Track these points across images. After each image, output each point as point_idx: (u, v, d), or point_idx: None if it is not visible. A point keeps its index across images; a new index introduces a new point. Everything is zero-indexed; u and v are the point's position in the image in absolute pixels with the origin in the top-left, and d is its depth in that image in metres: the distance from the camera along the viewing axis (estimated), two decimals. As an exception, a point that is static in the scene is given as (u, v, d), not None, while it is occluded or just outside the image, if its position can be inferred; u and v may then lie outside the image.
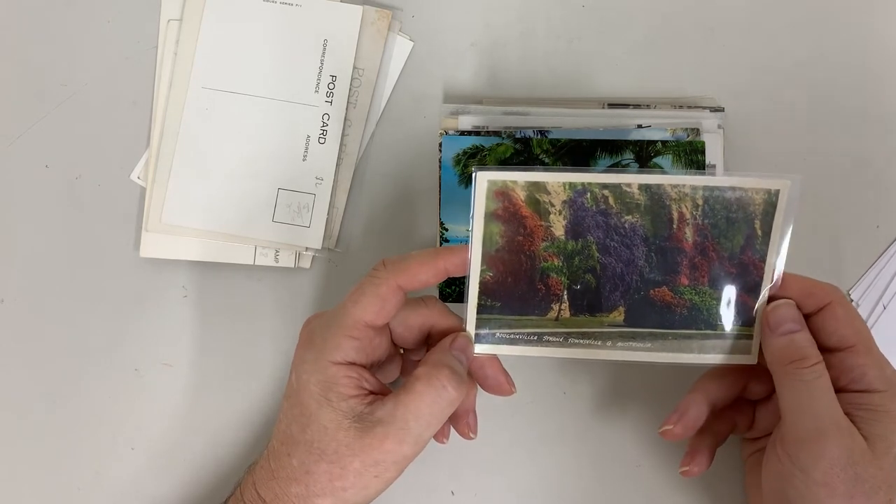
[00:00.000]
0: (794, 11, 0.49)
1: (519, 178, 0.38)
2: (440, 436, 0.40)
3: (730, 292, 0.39)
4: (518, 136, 0.45)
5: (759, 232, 0.38)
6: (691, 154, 0.44)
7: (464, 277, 0.40)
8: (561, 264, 0.39)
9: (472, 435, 0.40)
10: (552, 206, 0.38)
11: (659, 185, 0.38)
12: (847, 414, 0.36)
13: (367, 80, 0.47)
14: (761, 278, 0.38)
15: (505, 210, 0.38)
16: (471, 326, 0.39)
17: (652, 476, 0.45)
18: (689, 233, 0.38)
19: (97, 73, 0.48)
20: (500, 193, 0.38)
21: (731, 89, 0.48)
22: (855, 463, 0.34)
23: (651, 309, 0.39)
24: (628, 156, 0.45)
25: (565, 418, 0.46)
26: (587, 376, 0.46)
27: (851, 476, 0.34)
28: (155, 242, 0.46)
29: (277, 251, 0.46)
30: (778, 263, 0.38)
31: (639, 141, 0.45)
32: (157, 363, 0.46)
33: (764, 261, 0.38)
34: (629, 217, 0.38)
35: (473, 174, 0.38)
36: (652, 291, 0.39)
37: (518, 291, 0.39)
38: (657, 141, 0.45)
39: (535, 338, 0.39)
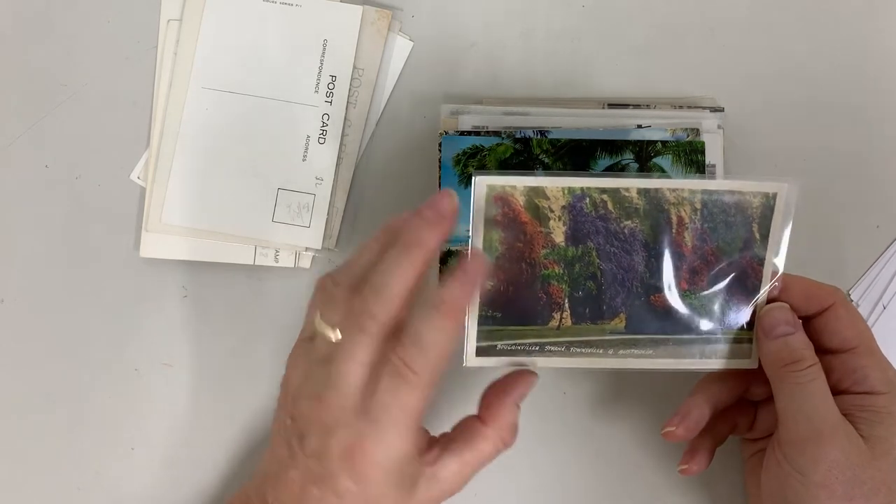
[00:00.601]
0: (794, 11, 0.49)
1: (518, 182, 0.38)
2: None
3: (729, 296, 0.39)
4: (518, 136, 0.45)
5: (758, 235, 0.38)
6: (691, 154, 0.44)
7: None
8: (562, 272, 0.39)
9: None
10: (551, 211, 0.38)
11: (657, 189, 0.38)
12: (848, 415, 0.36)
13: (367, 80, 0.47)
14: (760, 281, 0.38)
15: (504, 216, 0.38)
16: (472, 339, 0.39)
17: (652, 476, 0.45)
18: (688, 237, 0.38)
19: (97, 73, 0.48)
20: (500, 199, 0.38)
21: (731, 89, 0.48)
22: (853, 465, 0.34)
23: (652, 315, 0.39)
24: (628, 156, 0.45)
25: (565, 418, 0.46)
26: (588, 377, 0.46)
27: (850, 478, 0.34)
28: (155, 242, 0.46)
29: (277, 251, 0.46)
30: (777, 264, 0.38)
31: (638, 141, 0.45)
32: (157, 363, 0.46)
33: (762, 264, 0.38)
34: (628, 222, 0.38)
35: (472, 179, 0.38)
36: (652, 297, 0.39)
37: (519, 301, 0.39)
38: (657, 141, 0.45)
39: (537, 348, 0.39)
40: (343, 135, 0.47)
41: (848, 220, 0.47)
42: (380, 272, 0.34)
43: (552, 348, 0.39)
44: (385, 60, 0.48)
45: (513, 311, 0.39)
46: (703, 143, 0.44)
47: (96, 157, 0.48)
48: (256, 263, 0.46)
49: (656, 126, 0.45)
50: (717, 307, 0.39)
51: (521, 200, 0.38)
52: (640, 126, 0.45)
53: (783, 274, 0.38)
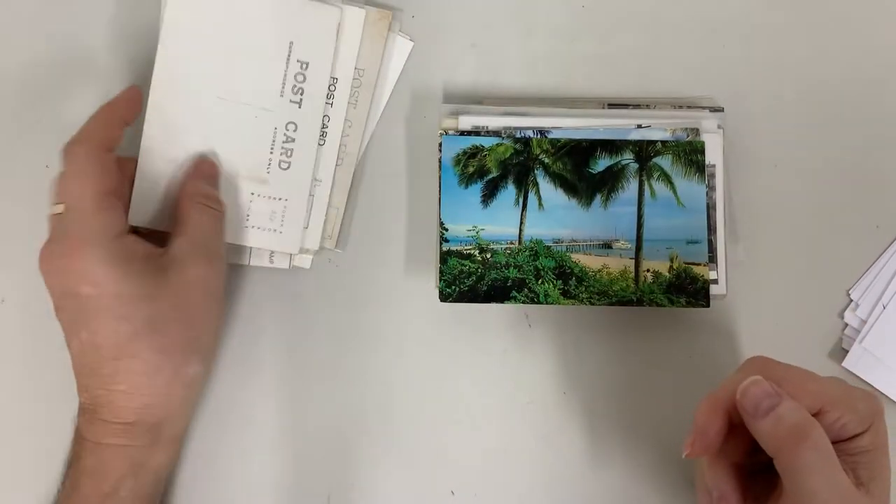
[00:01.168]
0: (793, 11, 0.49)
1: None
2: None
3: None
4: (518, 136, 0.45)
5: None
6: (691, 154, 0.44)
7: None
8: None
9: None
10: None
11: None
12: (845, 465, 0.34)
13: (367, 80, 0.47)
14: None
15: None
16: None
17: (652, 476, 0.45)
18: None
19: (97, 72, 0.48)
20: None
21: (731, 89, 0.48)
22: None
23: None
24: (628, 156, 0.45)
25: (565, 418, 0.46)
26: (588, 376, 0.46)
27: None
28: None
29: (272, 253, 0.46)
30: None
31: (638, 141, 0.45)
32: (157, 363, 0.46)
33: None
34: None
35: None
36: None
37: None
38: (657, 141, 0.45)
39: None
40: (343, 135, 0.47)
41: (848, 220, 0.47)
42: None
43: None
44: (385, 60, 0.48)
45: None
46: (702, 143, 0.45)
47: (96, 156, 0.47)
48: (251, 264, 0.46)
49: (656, 126, 0.45)
50: None
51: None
52: (640, 126, 0.45)
53: (717, 391, 0.37)
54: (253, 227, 0.46)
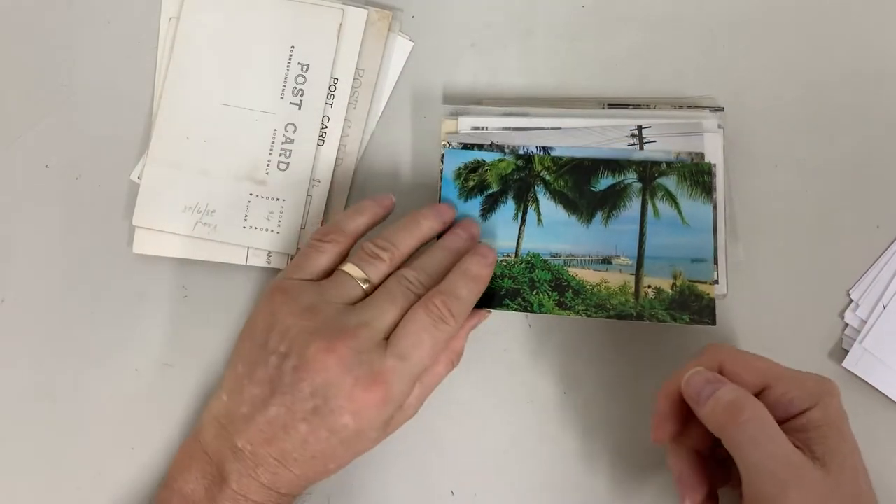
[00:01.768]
0: (794, 11, 0.49)
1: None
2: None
3: None
4: (520, 152, 0.45)
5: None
6: (697, 175, 0.44)
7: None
8: None
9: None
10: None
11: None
12: (796, 442, 0.35)
13: (368, 80, 0.47)
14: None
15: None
16: None
17: (652, 476, 0.45)
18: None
19: (97, 73, 0.48)
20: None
21: (731, 89, 0.48)
22: (823, 498, 0.34)
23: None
24: (631, 175, 0.44)
25: (565, 418, 0.46)
26: (587, 376, 0.46)
27: None
28: (148, 239, 0.46)
29: (270, 252, 0.46)
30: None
31: (643, 161, 0.44)
32: (157, 363, 0.46)
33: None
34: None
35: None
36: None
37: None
38: (661, 162, 0.44)
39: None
40: (343, 135, 0.47)
41: (848, 220, 0.47)
42: (429, 260, 0.41)
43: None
44: (385, 60, 0.48)
45: None
46: (709, 165, 0.44)
47: (96, 157, 0.48)
48: (249, 264, 0.46)
49: (657, 126, 0.45)
50: None
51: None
52: (640, 127, 0.45)
53: (666, 382, 0.39)
54: (251, 227, 0.46)
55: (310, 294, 0.39)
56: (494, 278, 0.43)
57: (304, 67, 0.46)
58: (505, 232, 0.44)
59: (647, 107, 0.47)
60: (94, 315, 0.47)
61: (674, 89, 0.48)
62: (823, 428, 0.35)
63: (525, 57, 0.48)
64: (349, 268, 0.40)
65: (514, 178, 0.44)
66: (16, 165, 0.48)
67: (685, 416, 0.39)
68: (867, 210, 0.47)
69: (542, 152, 0.45)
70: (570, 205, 0.44)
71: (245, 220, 0.46)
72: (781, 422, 0.36)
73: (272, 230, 0.46)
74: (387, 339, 0.38)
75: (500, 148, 0.45)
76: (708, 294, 0.42)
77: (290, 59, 0.47)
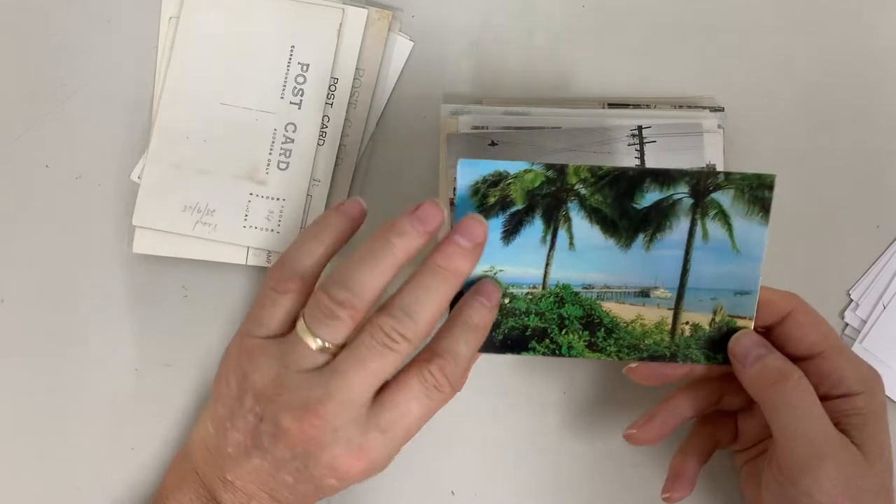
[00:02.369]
0: (794, 11, 0.49)
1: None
2: None
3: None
4: (552, 162, 0.39)
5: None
6: (757, 189, 0.37)
7: None
8: None
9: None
10: None
11: None
12: (835, 423, 0.35)
13: (368, 80, 0.47)
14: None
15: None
16: None
17: (652, 476, 0.45)
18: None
19: (97, 73, 0.48)
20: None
21: (731, 89, 0.48)
22: (856, 477, 0.34)
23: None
24: (682, 189, 0.38)
25: (565, 418, 0.46)
26: (587, 376, 0.46)
27: (854, 490, 0.34)
28: (148, 239, 0.46)
29: (269, 252, 0.46)
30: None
31: (696, 171, 0.38)
32: (157, 363, 0.46)
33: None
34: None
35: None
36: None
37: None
38: (719, 173, 0.38)
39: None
40: (343, 135, 0.47)
41: (848, 220, 0.47)
42: (415, 297, 0.35)
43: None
44: (385, 60, 0.48)
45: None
46: (772, 178, 0.37)
47: (96, 157, 0.48)
48: (249, 264, 0.46)
49: (656, 126, 0.45)
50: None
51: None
52: (640, 127, 0.45)
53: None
54: (251, 226, 0.46)
55: (272, 360, 0.35)
56: (518, 314, 0.39)
57: (304, 67, 0.46)
58: (531, 258, 0.38)
59: (647, 107, 0.47)
60: (93, 315, 0.47)
61: (674, 89, 0.48)
62: (866, 416, 0.36)
63: (525, 57, 0.48)
64: (303, 332, 0.35)
65: (543, 193, 0.38)
66: (16, 165, 0.48)
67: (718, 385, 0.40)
68: (867, 210, 0.47)
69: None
70: (608, 225, 0.38)
71: (245, 219, 0.46)
72: (822, 398, 0.36)
73: (272, 230, 0.46)
74: (377, 394, 0.35)
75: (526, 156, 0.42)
76: (745, 329, 0.38)
77: (290, 59, 0.46)
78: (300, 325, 0.35)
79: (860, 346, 0.45)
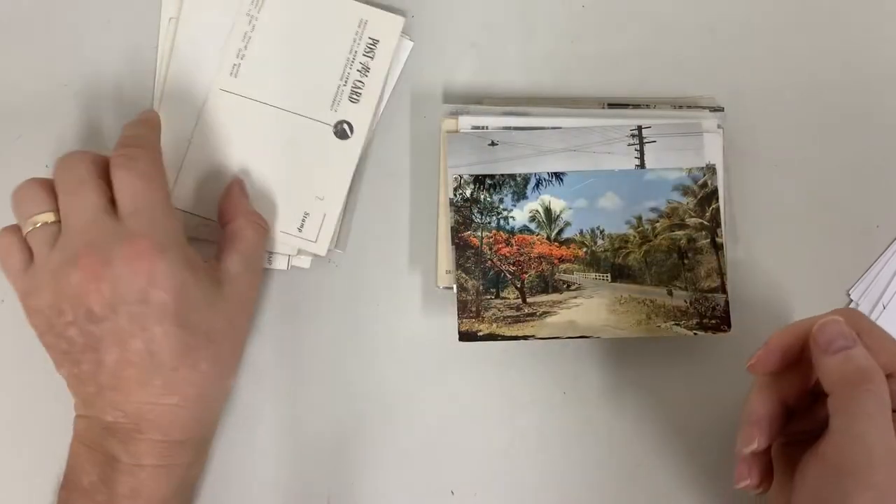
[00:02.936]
0: (794, 11, 0.49)
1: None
2: None
3: None
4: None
5: None
6: None
7: None
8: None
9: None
10: None
11: None
12: None
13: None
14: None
15: None
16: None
17: (652, 476, 0.45)
18: None
19: (97, 73, 0.48)
20: None
21: (731, 89, 0.48)
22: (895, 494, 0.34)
23: None
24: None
25: (565, 418, 0.46)
26: (587, 376, 0.46)
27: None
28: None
29: (270, 254, 0.46)
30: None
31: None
32: (157, 363, 0.46)
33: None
34: None
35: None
36: None
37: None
38: None
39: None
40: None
41: (848, 220, 0.47)
42: (123, 133, 0.42)
43: None
44: (394, 63, 0.47)
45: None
46: None
47: (96, 157, 0.48)
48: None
49: (656, 126, 0.45)
50: None
51: None
52: (640, 127, 0.45)
53: (796, 323, 0.38)
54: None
55: (30, 276, 0.39)
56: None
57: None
58: None
59: (647, 107, 0.47)
60: (94, 315, 0.46)
61: (674, 89, 0.48)
62: None
63: (525, 57, 0.48)
64: (28, 224, 0.40)
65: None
66: (16, 165, 0.48)
67: (793, 361, 0.38)
68: (867, 210, 0.47)
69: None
70: None
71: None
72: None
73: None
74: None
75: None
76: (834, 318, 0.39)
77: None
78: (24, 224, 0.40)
79: (860, 346, 0.45)
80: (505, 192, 0.45)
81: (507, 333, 0.44)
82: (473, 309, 0.44)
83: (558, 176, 0.45)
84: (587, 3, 0.49)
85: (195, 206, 0.46)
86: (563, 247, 0.44)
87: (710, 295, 0.44)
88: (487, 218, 0.45)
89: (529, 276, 0.44)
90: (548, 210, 0.45)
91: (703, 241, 0.44)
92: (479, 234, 0.45)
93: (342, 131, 0.46)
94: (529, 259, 0.45)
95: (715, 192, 0.45)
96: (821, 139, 0.48)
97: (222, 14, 0.46)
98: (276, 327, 0.46)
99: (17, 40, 0.48)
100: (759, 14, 0.49)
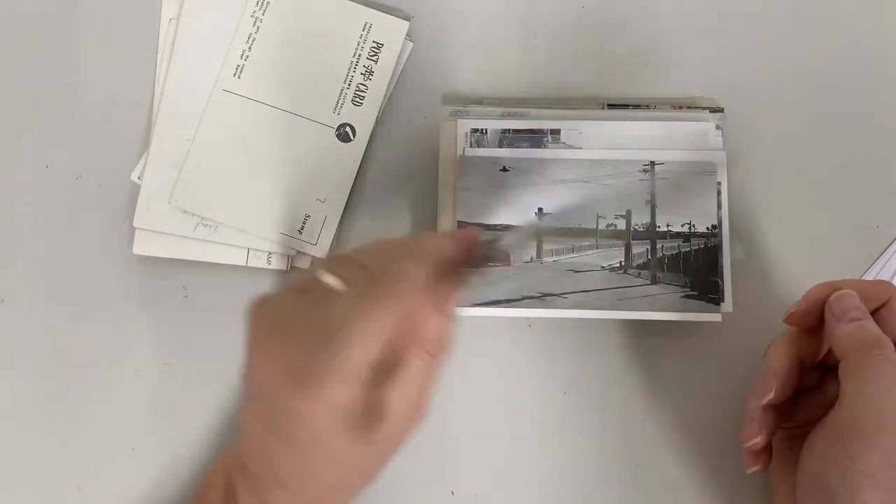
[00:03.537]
0: (794, 11, 0.49)
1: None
2: None
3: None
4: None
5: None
6: None
7: None
8: None
9: None
10: None
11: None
12: None
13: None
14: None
15: None
16: None
17: (652, 476, 0.45)
18: None
19: (97, 73, 0.48)
20: None
21: (730, 89, 0.48)
22: None
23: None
24: None
25: (565, 418, 0.46)
26: (587, 377, 0.46)
27: None
28: (148, 240, 0.46)
29: (270, 254, 0.46)
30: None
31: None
32: (157, 363, 0.46)
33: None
34: None
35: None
36: None
37: None
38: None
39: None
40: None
41: (848, 220, 0.47)
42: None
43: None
44: (397, 65, 0.47)
45: None
46: None
47: (96, 157, 0.48)
48: (249, 265, 0.46)
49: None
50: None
51: None
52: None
53: (836, 281, 0.39)
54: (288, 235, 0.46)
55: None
56: None
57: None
58: None
59: (647, 107, 0.47)
60: (94, 315, 0.47)
61: (674, 89, 0.48)
62: None
63: (525, 57, 0.48)
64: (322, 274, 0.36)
65: None
66: (16, 165, 0.48)
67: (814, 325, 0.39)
68: (867, 210, 0.47)
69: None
70: None
71: None
72: None
73: (312, 242, 0.46)
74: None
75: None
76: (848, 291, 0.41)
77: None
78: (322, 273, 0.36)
79: (860, 346, 0.45)
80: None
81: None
82: None
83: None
84: (587, 3, 0.49)
85: (195, 206, 0.46)
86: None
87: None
88: None
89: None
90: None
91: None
92: None
93: (345, 134, 0.46)
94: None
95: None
96: (821, 139, 0.48)
97: (222, 15, 0.47)
98: (276, 327, 0.46)
99: (17, 40, 0.48)
100: (758, 14, 0.49)
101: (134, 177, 0.47)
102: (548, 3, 0.49)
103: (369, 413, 0.35)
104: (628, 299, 0.44)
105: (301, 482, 0.36)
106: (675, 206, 0.45)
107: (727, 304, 0.44)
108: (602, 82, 0.48)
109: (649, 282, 0.44)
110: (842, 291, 0.38)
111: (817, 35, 0.48)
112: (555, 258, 0.44)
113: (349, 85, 0.46)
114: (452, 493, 0.45)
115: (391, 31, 0.47)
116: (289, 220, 0.46)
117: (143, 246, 0.46)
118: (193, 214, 0.46)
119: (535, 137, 0.46)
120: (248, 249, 0.46)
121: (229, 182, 0.46)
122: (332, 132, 0.46)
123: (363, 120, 0.46)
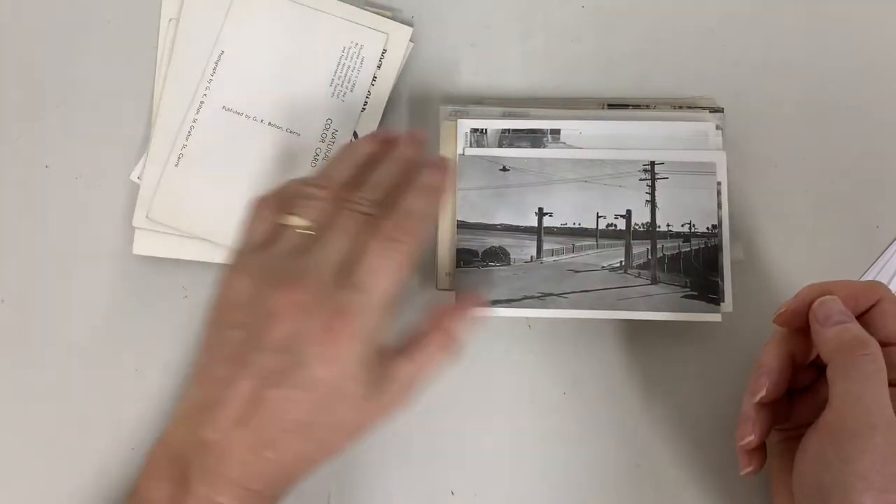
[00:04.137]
0: (794, 11, 0.49)
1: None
2: None
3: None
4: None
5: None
6: None
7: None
8: None
9: None
10: None
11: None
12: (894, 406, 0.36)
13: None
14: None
15: None
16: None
17: (651, 476, 0.45)
18: None
19: (97, 73, 0.48)
20: None
21: (731, 89, 0.48)
22: None
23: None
24: None
25: (565, 418, 0.46)
26: (587, 376, 0.46)
27: (891, 473, 0.34)
28: (148, 240, 0.46)
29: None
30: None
31: None
32: (157, 363, 0.46)
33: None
34: None
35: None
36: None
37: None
38: None
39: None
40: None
41: (848, 220, 0.47)
42: (375, 176, 0.39)
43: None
44: (400, 69, 0.48)
45: None
46: None
47: (96, 157, 0.48)
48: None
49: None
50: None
51: None
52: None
53: (827, 282, 0.39)
54: None
55: (256, 260, 0.36)
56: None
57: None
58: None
59: (647, 107, 0.47)
60: (93, 315, 0.47)
61: (674, 89, 0.48)
62: None
63: (525, 57, 0.48)
64: (287, 219, 0.37)
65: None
66: (16, 165, 0.48)
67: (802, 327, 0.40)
68: (867, 210, 0.47)
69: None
70: None
71: None
72: (892, 384, 0.36)
73: None
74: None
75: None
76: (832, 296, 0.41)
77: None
78: (282, 216, 0.37)
79: (860, 346, 0.45)
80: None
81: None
82: None
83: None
84: (587, 3, 0.49)
85: (173, 219, 0.46)
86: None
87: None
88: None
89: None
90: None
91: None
92: None
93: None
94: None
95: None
96: (821, 139, 0.48)
97: (222, 15, 0.46)
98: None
99: (17, 40, 0.48)
100: (758, 14, 0.49)
101: (134, 177, 0.47)
102: (548, 3, 0.49)
103: (381, 373, 0.36)
104: (628, 299, 0.44)
105: (287, 440, 0.35)
106: (675, 206, 0.45)
107: (727, 304, 0.44)
108: (602, 82, 0.48)
109: (649, 282, 0.44)
110: (824, 297, 0.38)
111: (817, 35, 0.48)
112: (555, 258, 0.44)
113: (352, 90, 0.46)
114: (452, 493, 0.45)
115: (394, 36, 0.47)
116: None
117: (143, 246, 0.46)
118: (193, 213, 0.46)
119: (535, 137, 0.46)
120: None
121: (215, 192, 0.46)
122: None
123: (367, 125, 0.46)
